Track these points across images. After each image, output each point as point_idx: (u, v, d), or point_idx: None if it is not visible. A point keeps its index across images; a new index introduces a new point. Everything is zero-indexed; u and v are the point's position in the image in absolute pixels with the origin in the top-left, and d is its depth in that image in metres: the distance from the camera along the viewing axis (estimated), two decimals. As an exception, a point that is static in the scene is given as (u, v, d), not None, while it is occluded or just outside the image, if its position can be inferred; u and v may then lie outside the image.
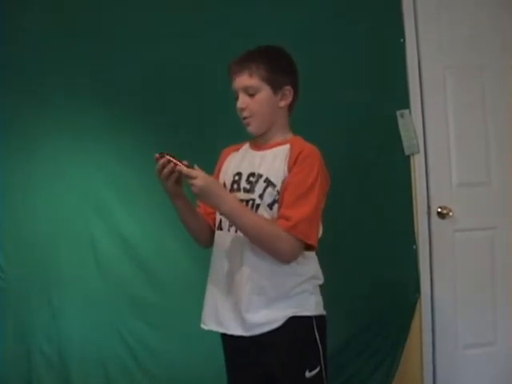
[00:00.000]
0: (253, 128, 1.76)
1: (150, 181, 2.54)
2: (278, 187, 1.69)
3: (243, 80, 1.72)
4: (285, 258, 1.67)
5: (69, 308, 2.73)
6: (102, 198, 2.75)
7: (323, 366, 1.75)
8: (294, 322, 1.71)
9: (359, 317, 2.80)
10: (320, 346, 1.75)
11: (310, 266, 1.77)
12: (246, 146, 1.87)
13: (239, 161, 1.83)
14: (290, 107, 1.80)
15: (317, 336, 1.74)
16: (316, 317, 1.75)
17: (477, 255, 2.96)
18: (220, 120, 2.53)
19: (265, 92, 1.73)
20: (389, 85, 2.84)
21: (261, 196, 1.71)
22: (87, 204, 2.75)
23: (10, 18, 2.70)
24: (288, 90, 1.76)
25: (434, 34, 2.91)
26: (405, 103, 2.85)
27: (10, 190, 2.73)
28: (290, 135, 1.80)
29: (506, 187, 2.97)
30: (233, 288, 1.73)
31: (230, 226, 1.74)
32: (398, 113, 2.84)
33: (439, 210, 2.90)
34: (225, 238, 1.77)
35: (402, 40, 2.84)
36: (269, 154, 1.76)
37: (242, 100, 1.73)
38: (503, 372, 2.97)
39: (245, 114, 1.74)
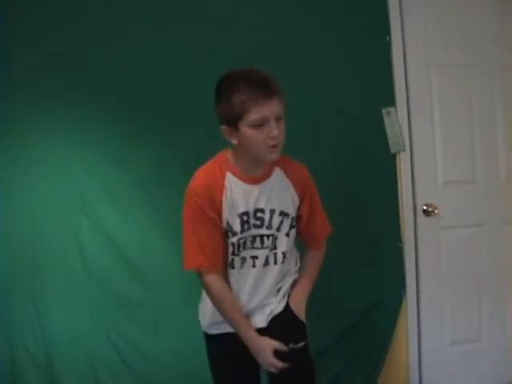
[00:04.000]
0: (277, 154, 1.72)
1: (136, 178, 2.67)
2: (293, 214, 1.83)
3: (277, 107, 1.66)
4: None
5: (54, 307, 2.70)
6: (87, 196, 2.71)
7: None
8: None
9: (346, 314, 2.81)
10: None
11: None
12: (230, 177, 1.78)
13: (239, 200, 1.78)
14: None
15: None
16: None
17: (462, 253, 2.98)
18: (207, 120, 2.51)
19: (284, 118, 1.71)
20: (374, 83, 2.83)
21: (278, 229, 1.81)
22: (72, 202, 2.71)
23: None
24: None
25: (420, 32, 2.91)
26: (390, 101, 2.86)
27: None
28: None
29: (491, 185, 3.00)
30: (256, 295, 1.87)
31: (243, 262, 1.83)
32: (384, 111, 2.84)
33: (425, 207, 2.92)
34: (237, 274, 1.85)
35: (387, 38, 2.84)
36: (269, 186, 1.80)
37: (277, 128, 1.66)
38: (488, 368, 3.01)
39: (277, 141, 1.68)
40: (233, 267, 1.82)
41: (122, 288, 2.72)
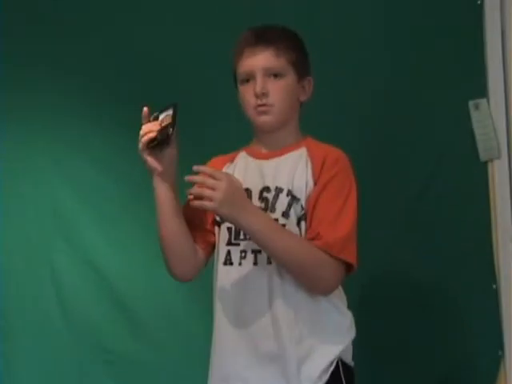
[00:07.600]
0: (271, 118, 1.58)
1: (131, 193, 2.51)
2: (303, 202, 1.56)
3: (268, 59, 1.56)
4: (327, 288, 1.53)
5: (23, 362, 2.49)
6: (69, 217, 2.55)
7: None
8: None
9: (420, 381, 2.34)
10: None
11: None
12: (243, 154, 1.70)
13: (242, 173, 1.65)
14: (302, 104, 1.70)
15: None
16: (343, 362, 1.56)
17: None
18: (212, 116, 2.44)
19: (290, 78, 1.59)
20: (459, 65, 2.39)
21: (285, 214, 1.55)
22: (50, 224, 2.55)
23: None
24: (309, 80, 1.66)
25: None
26: (481, 90, 2.39)
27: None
28: (300, 137, 1.68)
29: None
30: (264, 339, 1.54)
31: (242, 258, 1.56)
32: (472, 103, 2.38)
33: (527, 233, 2.45)
34: (236, 273, 1.57)
35: (478, 1, 2.39)
36: (282, 161, 1.62)
37: (264, 83, 1.55)
38: None
39: (265, 100, 1.56)
40: (230, 263, 1.56)
41: (110, 341, 2.48)
